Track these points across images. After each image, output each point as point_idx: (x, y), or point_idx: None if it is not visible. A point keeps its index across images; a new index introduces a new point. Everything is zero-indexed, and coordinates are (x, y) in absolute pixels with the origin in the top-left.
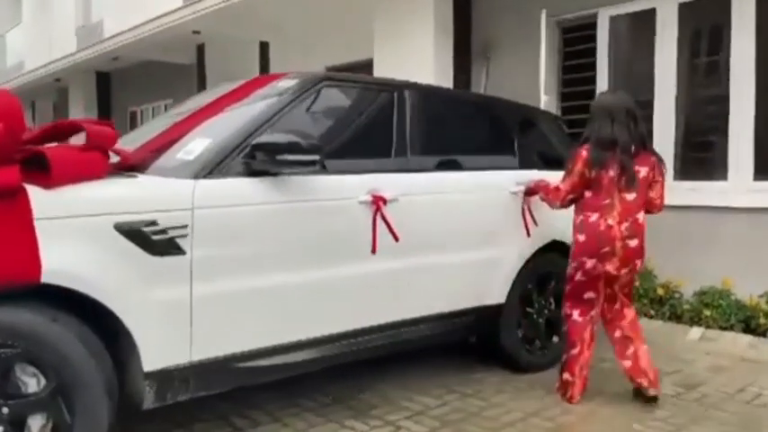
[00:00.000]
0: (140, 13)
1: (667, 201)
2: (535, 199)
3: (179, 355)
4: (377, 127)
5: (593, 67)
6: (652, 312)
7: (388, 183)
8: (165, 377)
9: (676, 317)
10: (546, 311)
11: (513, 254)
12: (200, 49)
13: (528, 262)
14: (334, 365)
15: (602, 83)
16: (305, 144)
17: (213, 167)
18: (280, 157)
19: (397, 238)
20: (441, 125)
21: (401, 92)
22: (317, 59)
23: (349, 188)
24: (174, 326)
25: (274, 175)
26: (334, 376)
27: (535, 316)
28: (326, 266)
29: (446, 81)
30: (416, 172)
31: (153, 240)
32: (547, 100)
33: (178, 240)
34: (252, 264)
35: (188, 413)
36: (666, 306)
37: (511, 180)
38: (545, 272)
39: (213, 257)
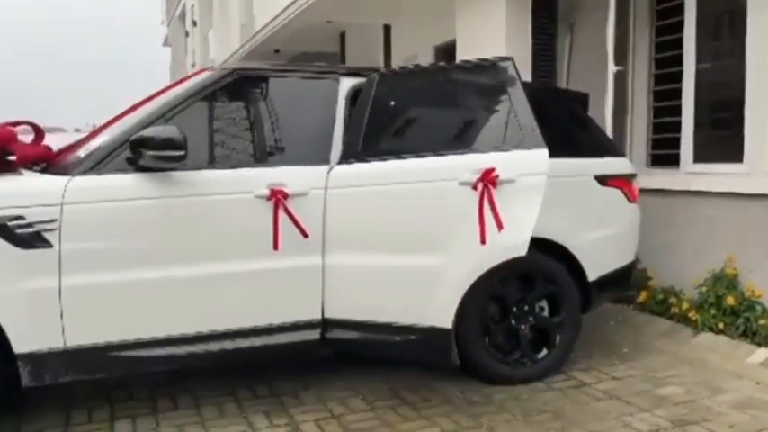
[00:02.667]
0: (278, 7)
1: (758, 190)
2: (509, 190)
3: (52, 340)
4: (294, 118)
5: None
6: (720, 326)
7: (297, 176)
8: (37, 359)
9: (752, 333)
10: (531, 318)
11: (457, 266)
12: (342, 37)
13: (491, 274)
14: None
15: (690, 45)
16: (167, 139)
17: (95, 164)
18: (152, 153)
19: (305, 235)
20: (379, 111)
21: (328, 80)
22: (429, 39)
23: (244, 182)
24: (44, 313)
25: (157, 170)
26: (294, 369)
27: (513, 322)
28: (214, 262)
29: (522, 53)
30: (343, 163)
31: (18, 234)
32: (616, 72)
33: (45, 234)
34: (128, 257)
35: (109, 391)
36: (741, 319)
37: (463, 167)
38: (525, 274)
39: (84, 250)
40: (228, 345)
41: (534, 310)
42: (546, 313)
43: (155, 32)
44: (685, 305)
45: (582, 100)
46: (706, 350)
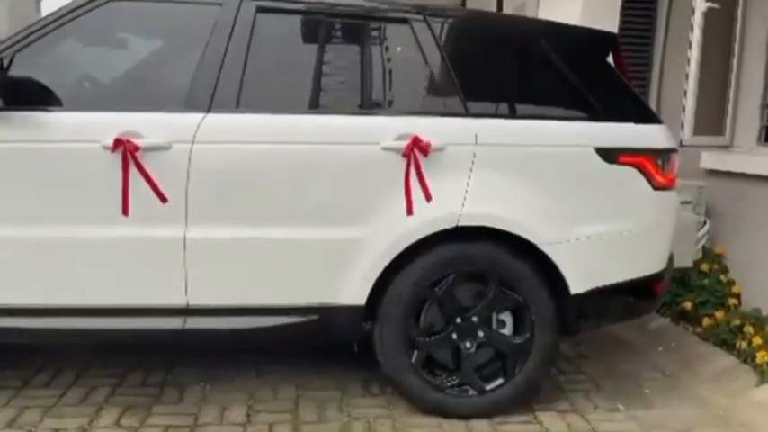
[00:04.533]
0: None
1: None
2: (437, 159)
3: None
4: (174, 53)
5: None
6: None
7: (157, 124)
8: None
9: None
10: (480, 334)
11: (376, 237)
12: None
13: (418, 251)
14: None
15: None
16: None
17: None
18: None
19: (164, 199)
20: (286, 51)
21: (227, 6)
22: None
23: (90, 129)
24: None
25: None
26: (211, 355)
27: (455, 336)
28: (45, 224)
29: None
30: (224, 112)
31: None
32: (707, 10)
33: None
34: None
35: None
36: None
37: (388, 130)
38: (472, 272)
39: None
40: (77, 323)
41: (487, 324)
42: (507, 330)
43: None
44: (757, 340)
45: (603, 43)
46: (761, 409)
